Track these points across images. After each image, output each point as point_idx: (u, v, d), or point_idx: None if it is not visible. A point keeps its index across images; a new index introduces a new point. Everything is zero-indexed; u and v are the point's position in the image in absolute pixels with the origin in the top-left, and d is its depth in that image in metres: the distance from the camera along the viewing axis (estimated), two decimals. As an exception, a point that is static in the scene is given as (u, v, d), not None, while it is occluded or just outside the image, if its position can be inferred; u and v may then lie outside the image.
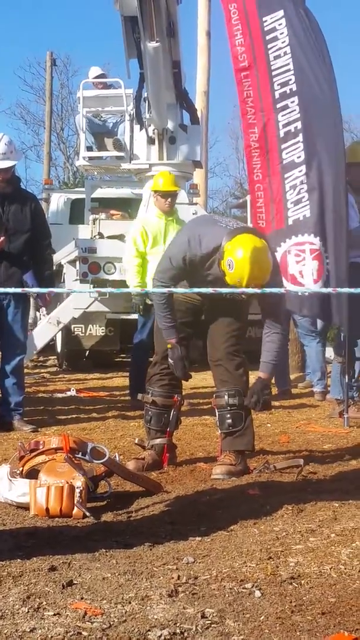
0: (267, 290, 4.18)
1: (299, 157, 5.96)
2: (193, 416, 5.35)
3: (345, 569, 3.02)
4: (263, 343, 4.79)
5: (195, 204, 10.74)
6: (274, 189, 6.01)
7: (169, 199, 7.55)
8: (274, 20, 5.98)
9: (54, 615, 2.60)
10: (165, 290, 4.64)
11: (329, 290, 5.81)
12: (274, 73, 5.94)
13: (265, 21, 5.98)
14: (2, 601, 2.71)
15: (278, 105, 5.96)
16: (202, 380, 8.16)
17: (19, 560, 3.13)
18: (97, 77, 11.74)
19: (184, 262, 4.65)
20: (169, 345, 4.87)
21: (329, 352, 9.08)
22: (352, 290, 5.66)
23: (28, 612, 2.62)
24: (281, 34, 5.97)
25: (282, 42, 5.95)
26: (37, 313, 11.77)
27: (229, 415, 4.80)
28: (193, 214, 9.76)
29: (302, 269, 5.88)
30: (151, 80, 9.43)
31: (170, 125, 10.40)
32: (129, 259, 7.56)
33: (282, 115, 5.95)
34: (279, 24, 5.97)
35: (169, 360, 4.87)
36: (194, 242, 4.63)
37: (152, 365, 5.17)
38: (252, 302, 4.97)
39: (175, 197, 7.68)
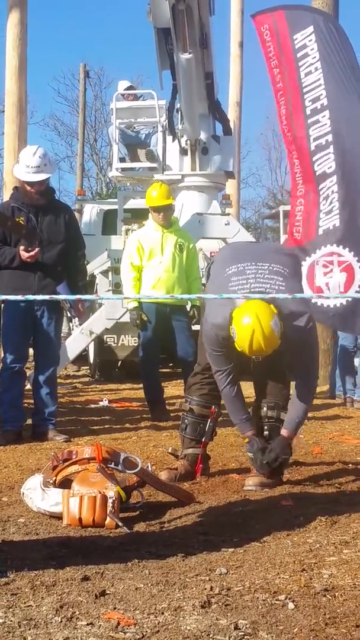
0: (298, 295, 4.13)
1: (329, 167, 5.98)
2: (226, 426, 5.34)
3: (379, 581, 2.99)
4: (292, 399, 4.68)
5: (228, 214, 10.74)
6: (310, 201, 6.04)
7: (162, 213, 7.51)
8: (305, 37, 6.03)
9: (87, 625, 2.60)
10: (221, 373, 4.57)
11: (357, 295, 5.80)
12: (305, 90, 6.01)
13: (296, 39, 6.04)
14: (36, 610, 2.72)
15: (309, 121, 6.02)
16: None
17: (52, 569, 3.14)
18: (126, 89, 11.83)
19: (222, 343, 4.48)
20: (245, 440, 4.72)
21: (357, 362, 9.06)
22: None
23: (61, 621, 2.62)
24: (312, 49, 6.02)
25: (313, 58, 6.00)
26: (70, 324, 11.79)
27: (266, 427, 4.79)
28: (225, 224, 9.76)
29: (329, 281, 5.87)
30: (184, 91, 9.48)
31: (202, 136, 10.45)
32: (124, 273, 7.60)
33: (313, 130, 6.00)
34: (309, 40, 6.02)
35: (248, 453, 4.73)
36: (211, 322, 4.45)
37: (192, 374, 5.15)
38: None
39: (169, 210, 7.58)
